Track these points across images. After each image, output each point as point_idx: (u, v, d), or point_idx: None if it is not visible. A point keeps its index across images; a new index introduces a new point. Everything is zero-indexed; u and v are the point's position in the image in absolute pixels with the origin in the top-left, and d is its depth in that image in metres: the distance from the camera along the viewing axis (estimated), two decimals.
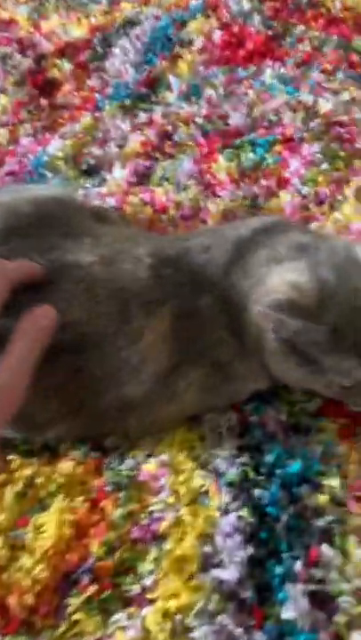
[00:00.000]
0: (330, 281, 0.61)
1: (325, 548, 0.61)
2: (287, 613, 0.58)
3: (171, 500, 0.68)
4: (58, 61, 1.37)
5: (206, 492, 0.68)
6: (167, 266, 0.70)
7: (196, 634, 0.59)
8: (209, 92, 1.20)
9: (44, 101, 1.29)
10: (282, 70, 1.22)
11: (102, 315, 0.67)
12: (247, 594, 0.60)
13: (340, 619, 0.57)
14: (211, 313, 0.68)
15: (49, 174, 1.12)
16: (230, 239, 0.72)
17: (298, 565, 0.60)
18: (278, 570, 0.61)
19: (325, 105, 1.11)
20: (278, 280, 0.64)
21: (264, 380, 0.72)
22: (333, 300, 0.60)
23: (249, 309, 0.66)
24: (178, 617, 0.60)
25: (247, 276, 0.68)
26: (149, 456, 0.72)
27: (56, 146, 1.15)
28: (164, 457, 0.71)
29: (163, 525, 0.66)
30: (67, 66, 1.36)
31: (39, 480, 0.72)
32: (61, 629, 0.61)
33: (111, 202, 1.02)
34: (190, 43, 1.33)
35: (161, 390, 0.69)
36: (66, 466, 0.72)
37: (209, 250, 0.72)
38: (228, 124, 1.13)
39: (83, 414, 0.70)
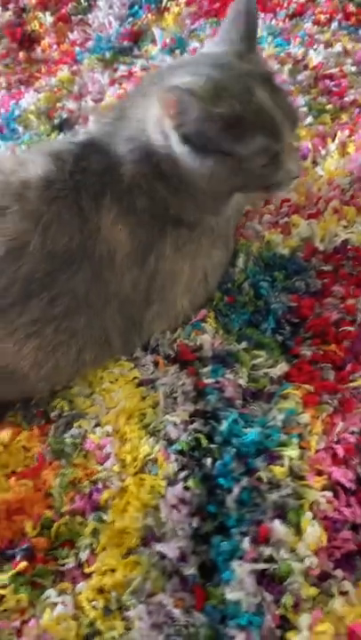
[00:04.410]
0: (217, 75, 0.63)
1: (277, 524, 0.55)
2: (232, 594, 0.53)
3: (116, 468, 0.62)
4: (40, 14, 1.30)
5: (155, 461, 0.62)
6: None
7: (130, 613, 0.53)
8: (194, 44, 1.13)
9: (22, 55, 1.22)
10: (273, 22, 1.14)
11: None
12: (190, 571, 0.54)
13: (287, 600, 0.52)
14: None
15: (21, 129, 1.05)
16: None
17: (246, 542, 0.54)
18: (225, 546, 0.55)
19: (316, 57, 1.03)
20: (174, 80, 0.64)
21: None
22: (226, 91, 0.61)
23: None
24: (113, 594, 0.55)
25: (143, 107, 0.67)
26: (97, 425, 0.67)
27: (29, 100, 1.09)
28: (111, 426, 0.66)
29: (104, 496, 0.60)
30: (49, 19, 1.28)
31: None
32: None
33: None
34: None
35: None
36: (6, 433, 0.67)
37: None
38: None
39: None
